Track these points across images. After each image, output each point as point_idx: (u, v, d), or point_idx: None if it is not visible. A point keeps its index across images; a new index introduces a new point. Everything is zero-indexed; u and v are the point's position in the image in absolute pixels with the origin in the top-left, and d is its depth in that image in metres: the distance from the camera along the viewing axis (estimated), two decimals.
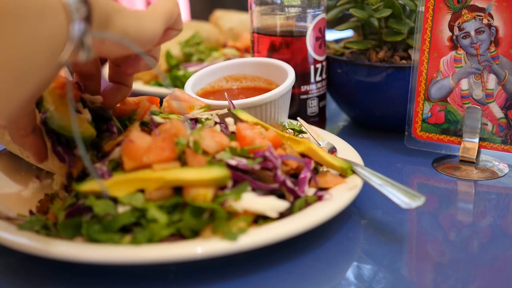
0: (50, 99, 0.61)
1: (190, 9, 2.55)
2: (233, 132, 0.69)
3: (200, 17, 1.95)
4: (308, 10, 0.90)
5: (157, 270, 0.58)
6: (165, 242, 0.56)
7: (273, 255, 0.60)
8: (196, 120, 0.71)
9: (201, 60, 1.28)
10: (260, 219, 0.60)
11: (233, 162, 0.61)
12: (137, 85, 1.17)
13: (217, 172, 0.59)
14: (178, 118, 0.68)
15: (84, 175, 0.64)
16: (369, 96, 0.92)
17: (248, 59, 0.93)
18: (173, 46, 1.29)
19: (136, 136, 0.60)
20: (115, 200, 0.58)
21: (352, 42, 0.96)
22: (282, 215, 0.60)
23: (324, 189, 0.66)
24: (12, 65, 0.44)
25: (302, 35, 0.90)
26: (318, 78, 0.93)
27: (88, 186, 0.59)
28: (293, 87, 0.87)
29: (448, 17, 0.82)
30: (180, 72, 1.22)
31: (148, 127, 0.69)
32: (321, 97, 0.94)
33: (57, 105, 0.62)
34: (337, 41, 1.07)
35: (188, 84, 0.86)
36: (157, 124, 0.66)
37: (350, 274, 0.60)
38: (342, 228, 0.66)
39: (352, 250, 0.64)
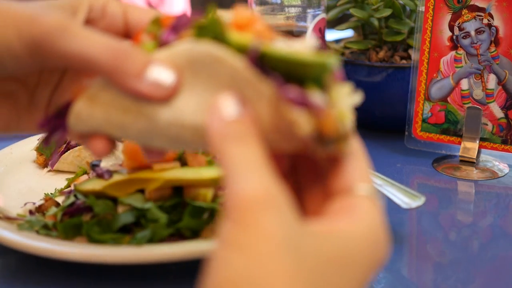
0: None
1: (190, 8, 2.55)
2: None
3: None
4: (308, 10, 0.90)
5: (157, 270, 0.58)
6: (165, 242, 0.56)
7: None
8: None
9: None
10: None
11: None
12: None
13: (217, 172, 0.59)
14: None
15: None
16: (369, 96, 0.92)
17: None
18: None
19: None
20: (115, 200, 0.58)
21: (352, 42, 0.96)
22: None
23: None
24: None
25: (302, 35, 0.90)
26: None
27: (88, 185, 0.59)
28: None
29: (448, 17, 0.82)
30: None
31: None
32: None
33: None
34: (337, 41, 1.07)
35: None
36: None
37: None
38: None
39: None
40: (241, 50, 0.36)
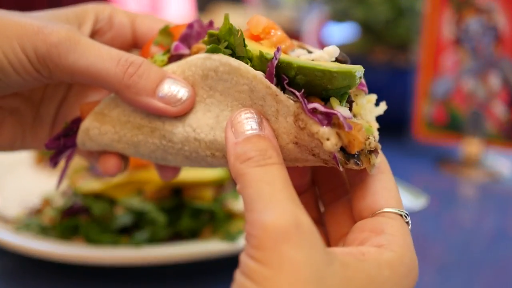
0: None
1: (191, 8, 2.56)
2: None
3: (203, 9, 2.07)
4: (308, 10, 0.89)
5: (157, 270, 0.57)
6: (165, 242, 0.56)
7: None
8: None
9: None
10: None
11: None
12: None
13: (217, 173, 0.58)
14: None
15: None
16: None
17: None
18: None
19: None
20: (114, 201, 0.58)
21: (352, 42, 0.96)
22: None
23: None
24: None
25: (302, 35, 0.90)
26: None
27: (87, 186, 0.59)
28: None
29: (450, 16, 0.81)
30: None
31: None
32: None
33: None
34: (337, 41, 1.07)
35: None
36: None
37: None
38: None
39: None
40: (260, 61, 0.34)
